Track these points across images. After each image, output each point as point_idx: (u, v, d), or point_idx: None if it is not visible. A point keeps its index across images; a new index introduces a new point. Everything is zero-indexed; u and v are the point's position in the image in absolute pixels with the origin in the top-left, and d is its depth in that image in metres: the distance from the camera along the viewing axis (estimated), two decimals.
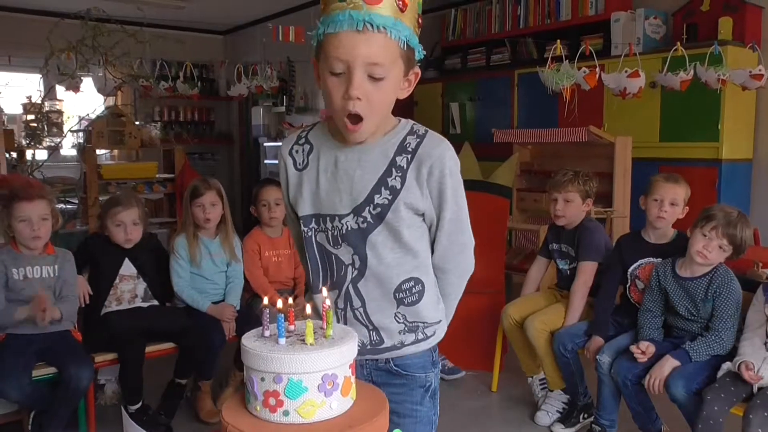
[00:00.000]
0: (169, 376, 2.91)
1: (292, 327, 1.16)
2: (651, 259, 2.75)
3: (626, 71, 3.76)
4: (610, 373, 2.60)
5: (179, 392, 2.92)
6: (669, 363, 2.42)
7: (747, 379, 2.25)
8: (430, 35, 6.77)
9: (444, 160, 1.30)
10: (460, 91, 6.19)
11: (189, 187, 3.13)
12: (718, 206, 2.57)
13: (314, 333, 1.11)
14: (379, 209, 1.29)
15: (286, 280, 3.32)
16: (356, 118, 1.23)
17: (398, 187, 1.29)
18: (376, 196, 1.29)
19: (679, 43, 3.85)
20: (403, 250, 1.33)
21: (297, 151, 1.38)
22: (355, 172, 1.30)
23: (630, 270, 2.80)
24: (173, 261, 3.04)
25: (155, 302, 2.97)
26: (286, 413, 1.07)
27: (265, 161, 7.61)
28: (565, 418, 2.90)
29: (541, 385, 3.07)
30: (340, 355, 1.08)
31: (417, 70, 1.29)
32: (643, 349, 2.49)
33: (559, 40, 4.04)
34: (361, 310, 1.35)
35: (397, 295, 1.34)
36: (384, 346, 1.36)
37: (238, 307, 3.07)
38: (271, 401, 1.07)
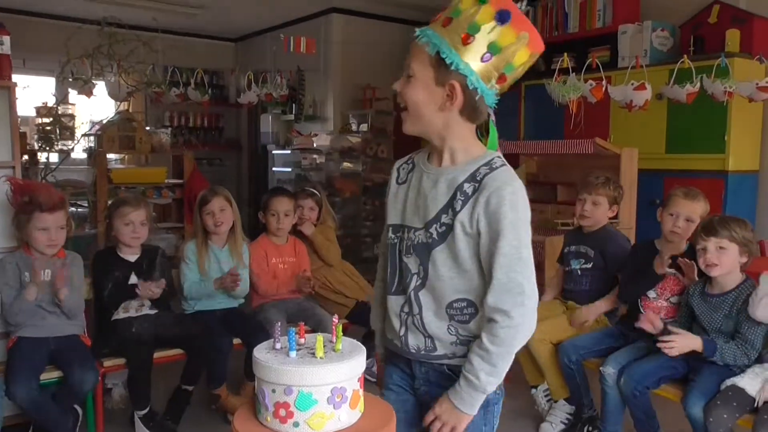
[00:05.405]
0: (177, 382, 2.94)
1: (302, 340, 1.19)
2: None
3: (633, 84, 3.78)
4: (618, 384, 2.59)
5: (185, 398, 2.94)
6: (695, 342, 2.40)
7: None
8: None
9: (502, 192, 1.36)
10: None
11: (198, 197, 3.18)
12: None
13: (324, 347, 1.14)
14: (444, 228, 1.42)
15: (294, 287, 3.33)
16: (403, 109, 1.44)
17: (458, 209, 1.40)
18: (443, 216, 1.42)
19: (686, 56, 3.87)
20: (458, 269, 1.42)
21: (403, 168, 1.57)
22: (430, 192, 1.45)
23: None
24: (183, 266, 3.08)
25: (162, 310, 2.99)
26: (296, 424, 1.10)
27: (273, 168, 7.60)
28: (570, 430, 2.92)
29: (545, 395, 3.09)
30: (349, 369, 1.11)
31: (452, 81, 1.36)
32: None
33: (566, 53, 4.06)
34: (419, 317, 1.46)
35: (448, 310, 1.44)
36: (436, 353, 1.46)
37: (242, 302, 3.18)
38: (282, 412, 1.10)
